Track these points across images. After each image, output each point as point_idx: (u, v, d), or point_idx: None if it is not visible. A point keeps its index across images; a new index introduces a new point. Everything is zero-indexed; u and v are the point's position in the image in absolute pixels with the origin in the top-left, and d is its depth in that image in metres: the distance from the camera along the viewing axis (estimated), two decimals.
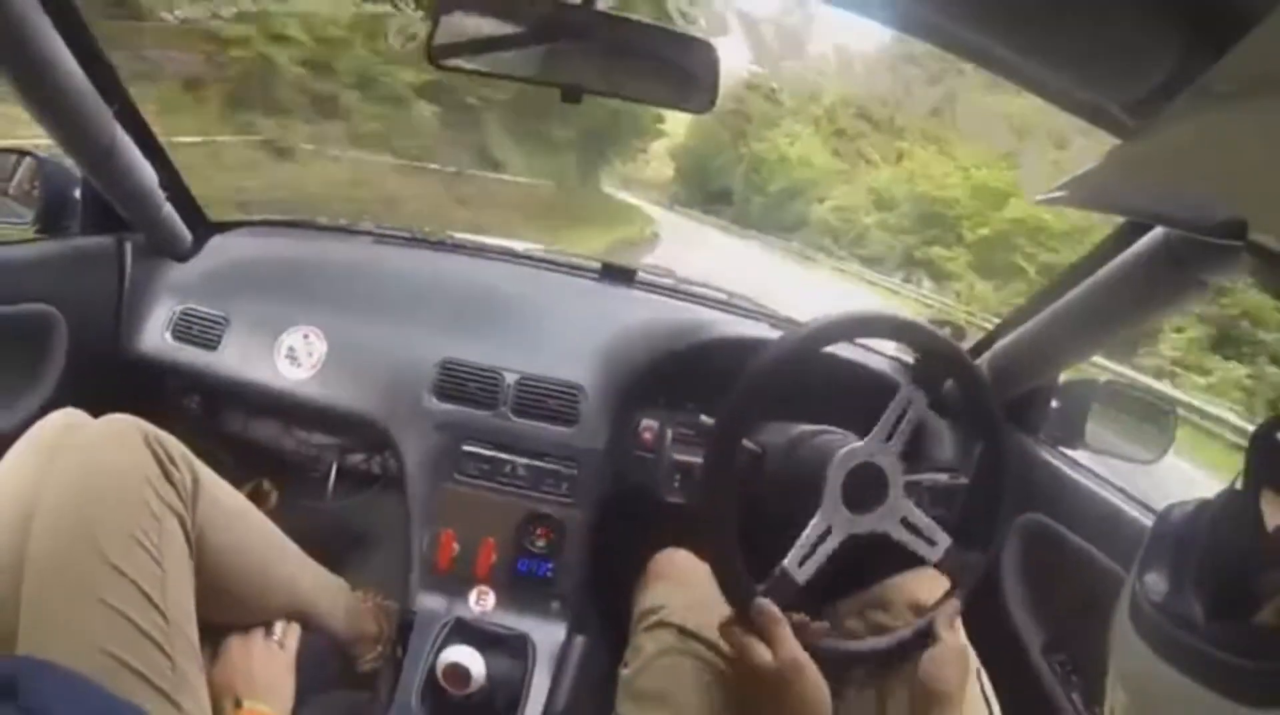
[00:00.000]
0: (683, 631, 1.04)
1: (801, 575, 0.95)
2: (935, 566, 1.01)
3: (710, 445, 0.98)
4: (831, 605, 1.15)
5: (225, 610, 1.03)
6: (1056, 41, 0.56)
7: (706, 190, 29.28)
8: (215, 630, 1.02)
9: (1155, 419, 1.33)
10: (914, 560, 1.04)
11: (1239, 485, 0.42)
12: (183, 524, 0.92)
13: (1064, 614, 1.25)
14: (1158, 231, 0.98)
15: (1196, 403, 6.51)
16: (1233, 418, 6.61)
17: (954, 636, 0.96)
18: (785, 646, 0.89)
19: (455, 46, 0.90)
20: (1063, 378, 1.36)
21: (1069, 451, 1.35)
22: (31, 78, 1.07)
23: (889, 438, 0.99)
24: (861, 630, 1.08)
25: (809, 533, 0.96)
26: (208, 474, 0.99)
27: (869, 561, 1.06)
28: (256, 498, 1.49)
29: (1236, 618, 0.38)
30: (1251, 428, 0.44)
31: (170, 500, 0.91)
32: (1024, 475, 1.28)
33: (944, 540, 1.00)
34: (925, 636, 0.97)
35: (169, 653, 0.84)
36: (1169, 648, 0.40)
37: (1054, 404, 1.35)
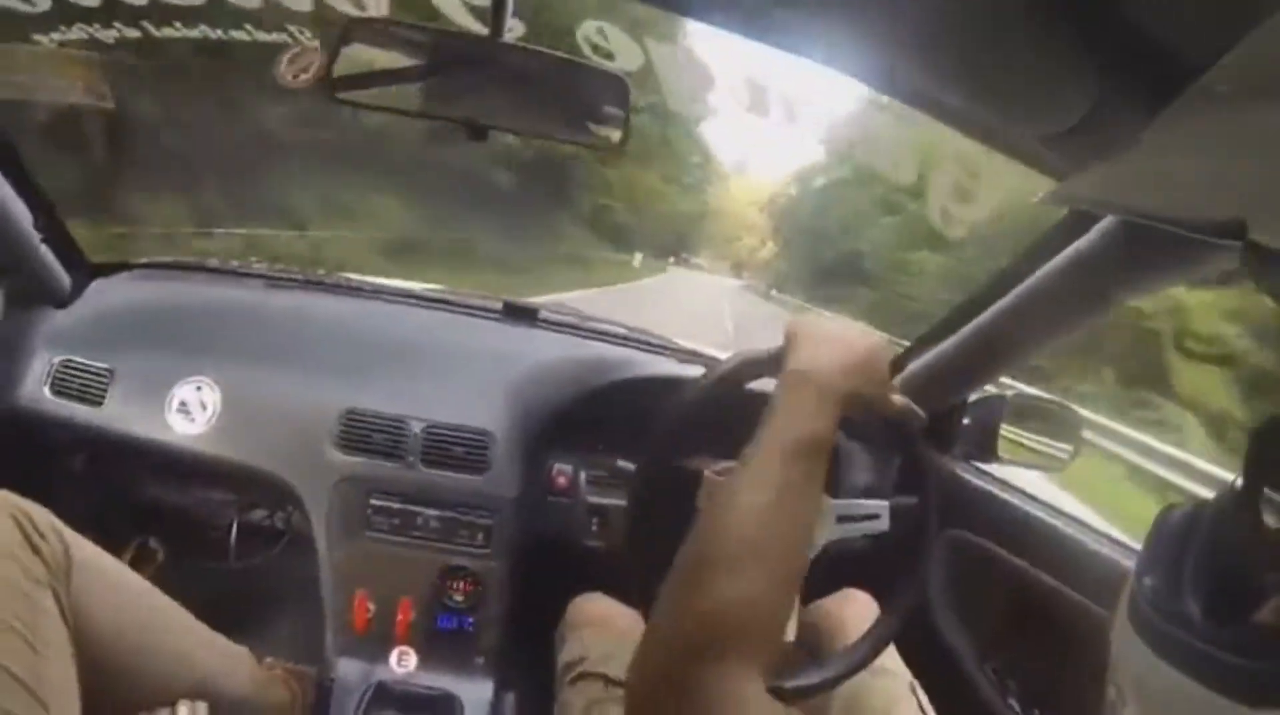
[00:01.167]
0: (608, 681, 1.02)
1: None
2: (890, 532, 0.98)
3: (635, 485, 0.97)
4: None
5: (116, 692, 0.95)
6: (974, 78, 0.57)
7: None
8: (111, 712, 0.93)
9: (1061, 427, 1.38)
10: (839, 583, 1.03)
11: (1238, 485, 0.42)
12: (56, 599, 0.86)
13: (993, 623, 1.27)
14: (1071, 250, 1.01)
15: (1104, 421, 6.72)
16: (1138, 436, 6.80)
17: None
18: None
19: (355, 79, 0.86)
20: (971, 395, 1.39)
21: (982, 466, 1.38)
22: None
23: None
24: (792, 656, 1.05)
25: None
26: (81, 543, 0.93)
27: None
28: (141, 560, 1.40)
29: (1236, 617, 0.38)
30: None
31: (39, 574, 0.85)
32: (943, 492, 1.31)
33: (882, 505, 0.98)
34: (859, 668, 0.95)
35: None
36: (1168, 647, 0.40)
37: (965, 421, 1.37)
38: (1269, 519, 0.40)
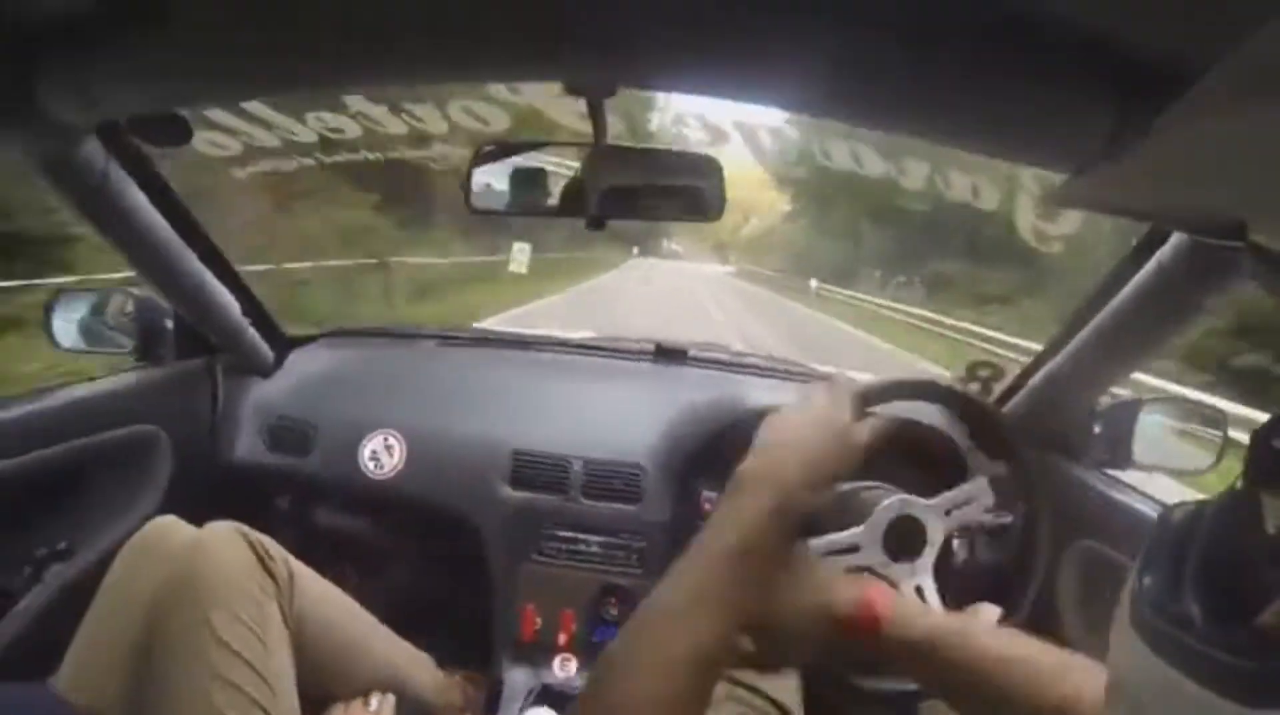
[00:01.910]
0: (731, 681, 1.10)
1: None
2: (996, 497, 1.01)
3: None
4: None
5: (324, 683, 1.18)
6: (995, 118, 0.58)
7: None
8: (317, 703, 1.17)
9: (1204, 427, 1.34)
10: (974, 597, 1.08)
11: (1239, 485, 0.42)
12: (280, 608, 1.08)
13: None
14: (1162, 253, 1.01)
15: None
16: None
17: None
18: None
19: (489, 196, 1.01)
20: (1104, 401, 1.37)
21: (1120, 474, 1.35)
22: (130, 238, 1.22)
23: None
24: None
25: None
26: (301, 567, 1.16)
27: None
28: (339, 582, 1.62)
29: (1237, 619, 0.38)
30: None
31: (269, 589, 1.08)
32: (1074, 503, 1.31)
33: (980, 483, 1.01)
34: None
35: None
36: (1169, 649, 0.39)
37: (1097, 429, 1.36)
38: (1270, 519, 0.40)
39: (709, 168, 1.03)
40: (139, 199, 1.17)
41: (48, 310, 1.45)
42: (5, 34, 0.70)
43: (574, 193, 1.00)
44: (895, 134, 0.68)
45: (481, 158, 1.00)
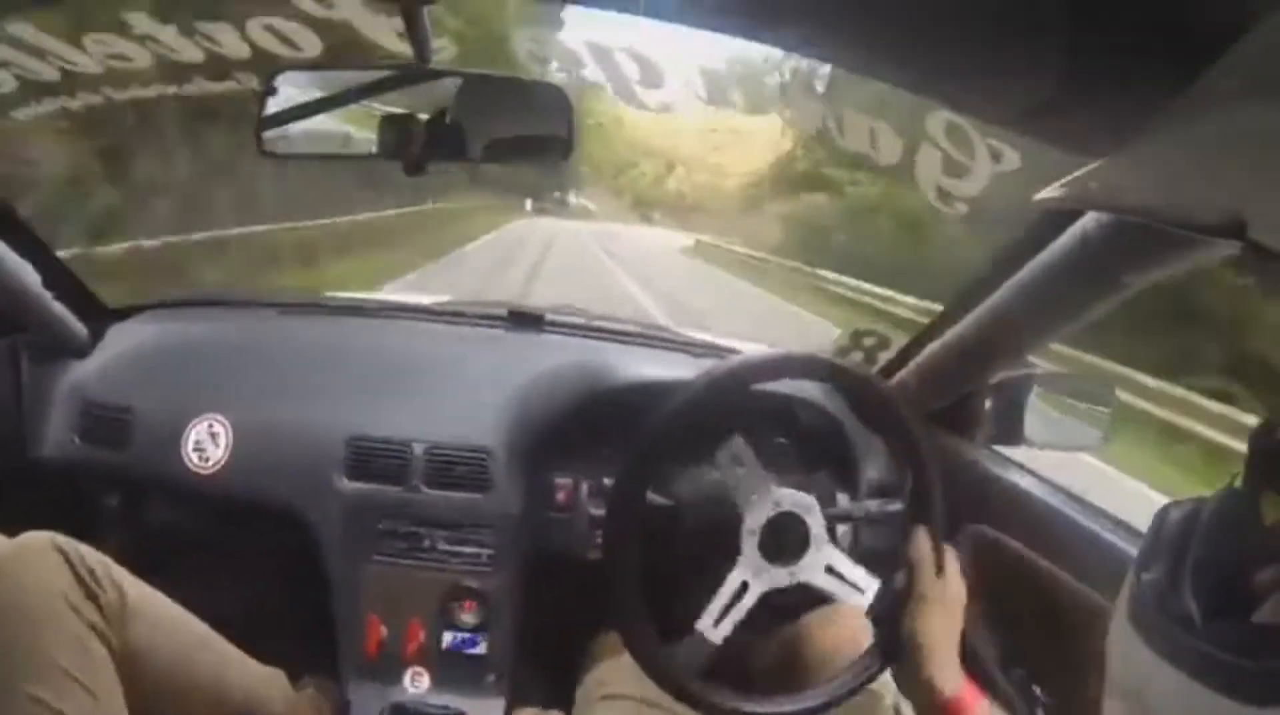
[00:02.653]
0: (644, 702, 1.01)
1: (717, 635, 0.92)
2: (868, 614, 0.97)
3: (609, 505, 0.97)
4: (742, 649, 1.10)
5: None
6: (944, 60, 0.55)
7: None
8: None
9: (1094, 403, 1.31)
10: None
11: (1238, 483, 0.42)
12: (109, 645, 0.90)
13: (1017, 626, 1.21)
14: (1073, 230, 0.96)
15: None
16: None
17: (928, 583, 0.90)
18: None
19: (285, 134, 0.85)
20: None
21: (1009, 452, 1.32)
22: None
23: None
24: (776, 675, 1.05)
25: (725, 589, 0.92)
26: (134, 584, 0.97)
27: (785, 600, 1.01)
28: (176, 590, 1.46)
29: (1235, 616, 0.38)
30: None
31: (94, 620, 0.89)
32: (964, 485, 1.25)
33: (872, 585, 0.95)
34: (849, 696, 0.93)
35: None
36: (1168, 647, 0.40)
37: (988, 404, 1.32)
38: (1268, 516, 0.40)
39: (558, 99, 0.90)
40: None
41: None
42: None
43: (394, 130, 0.85)
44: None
45: (276, 86, 0.83)
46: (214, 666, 1.10)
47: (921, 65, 0.59)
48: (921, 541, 0.91)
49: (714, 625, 0.91)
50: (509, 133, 0.87)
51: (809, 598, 1.07)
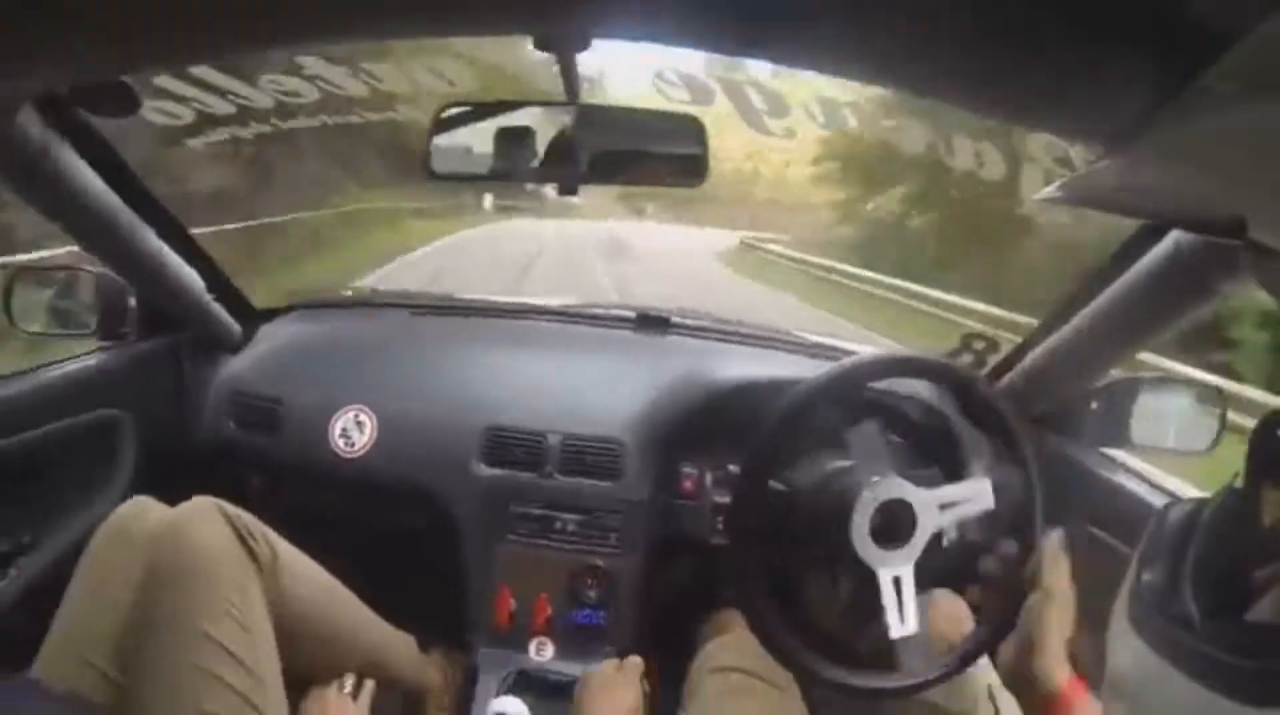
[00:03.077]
0: (746, 673, 1.09)
1: (911, 628, 0.97)
2: (995, 509, 0.99)
3: (735, 491, 1.03)
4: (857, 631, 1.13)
5: (307, 665, 1.14)
6: (1030, 86, 0.54)
7: None
8: (298, 681, 1.12)
9: (1203, 407, 1.31)
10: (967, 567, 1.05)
11: (1238, 482, 0.42)
12: (263, 591, 1.03)
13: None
14: (1168, 241, 0.98)
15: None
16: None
17: (1056, 578, 0.92)
18: None
19: (451, 159, 0.95)
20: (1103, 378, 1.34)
21: (1116, 454, 1.33)
22: (79, 217, 1.16)
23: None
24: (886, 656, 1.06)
25: (885, 594, 0.97)
26: (284, 545, 1.11)
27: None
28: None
29: (1233, 614, 0.38)
30: None
31: (251, 571, 1.03)
32: (1068, 484, 1.27)
33: (911, 626, 0.98)
34: (978, 656, 0.98)
35: (259, 707, 0.95)
36: (1167, 647, 0.40)
37: (1094, 406, 1.33)
38: (1268, 513, 0.40)
39: (693, 129, 0.98)
40: (85, 174, 1.10)
41: (6, 292, 1.39)
42: None
43: (549, 155, 0.93)
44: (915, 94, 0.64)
45: (444, 120, 0.93)
46: (351, 621, 1.24)
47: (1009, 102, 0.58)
48: (1051, 538, 0.94)
49: (903, 624, 0.97)
50: (651, 157, 0.95)
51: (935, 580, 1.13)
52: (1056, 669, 0.85)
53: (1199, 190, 0.48)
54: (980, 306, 8.79)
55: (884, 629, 1.15)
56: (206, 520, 1.03)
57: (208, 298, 1.50)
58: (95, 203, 1.14)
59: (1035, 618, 0.90)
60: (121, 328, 1.47)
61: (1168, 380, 1.37)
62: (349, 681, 1.21)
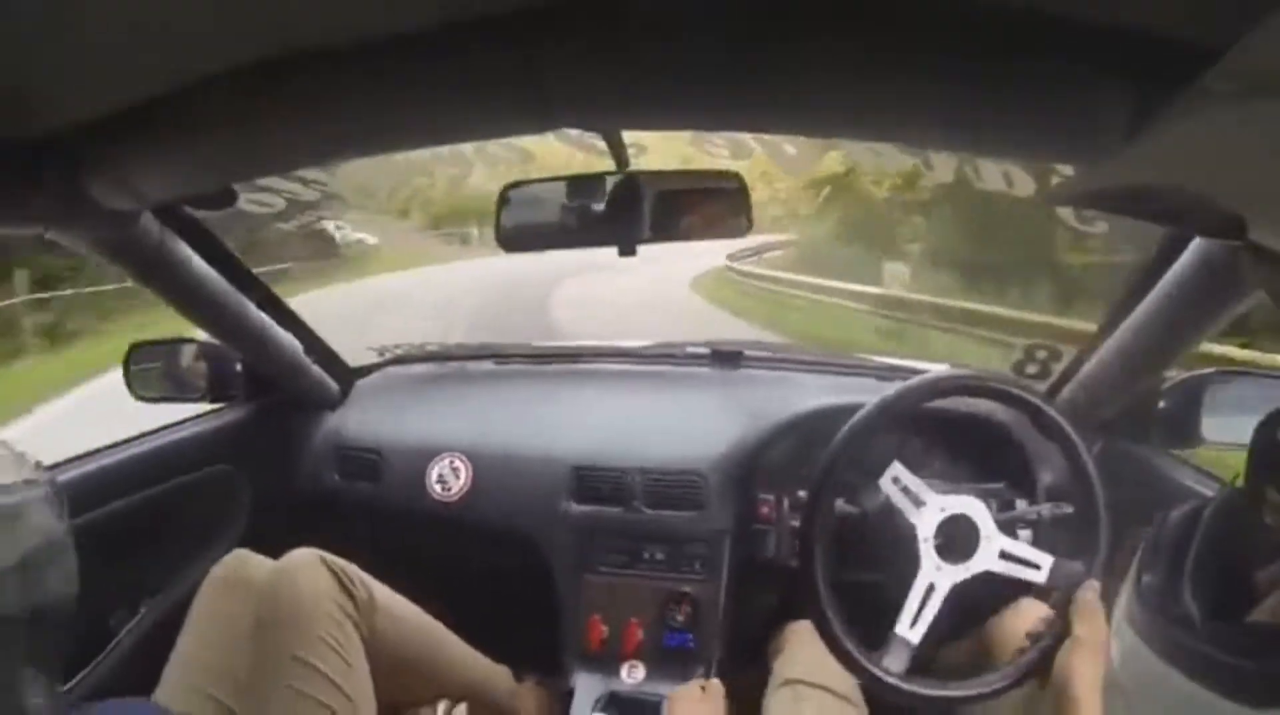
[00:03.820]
0: (805, 684, 1.16)
1: (915, 636, 1.02)
2: (1045, 585, 1.03)
3: (802, 515, 1.09)
4: (939, 649, 1.18)
5: (402, 693, 1.29)
6: (1010, 120, 0.56)
7: None
8: (395, 710, 1.27)
9: (1272, 399, 1.29)
10: (1020, 592, 1.09)
11: (1238, 483, 0.43)
12: (358, 627, 1.17)
13: None
14: (1197, 243, 0.99)
15: None
16: None
17: (1088, 629, 0.93)
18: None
19: (520, 233, 1.04)
20: (1171, 376, 1.33)
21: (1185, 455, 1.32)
22: (190, 298, 1.28)
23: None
24: (968, 671, 1.09)
25: (914, 594, 1.03)
26: (380, 587, 1.25)
27: (976, 601, 1.11)
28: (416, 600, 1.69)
29: (1234, 616, 0.39)
30: None
31: (349, 610, 1.17)
32: (1137, 487, 1.27)
33: (1046, 560, 1.02)
34: (1024, 676, 1.00)
35: None
36: (1168, 647, 0.40)
37: (1162, 405, 1.32)
38: (1269, 515, 0.41)
39: (735, 184, 1.05)
40: (194, 260, 1.22)
41: (126, 364, 1.54)
42: (53, 138, 0.74)
43: (605, 221, 1.01)
44: (912, 146, 0.68)
45: (508, 196, 1.03)
46: (446, 655, 1.35)
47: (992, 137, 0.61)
48: (1086, 587, 0.97)
49: (910, 627, 1.02)
50: (699, 213, 1.02)
51: (996, 600, 1.17)
52: None
53: (1199, 191, 0.48)
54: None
55: (968, 647, 1.19)
56: (309, 568, 1.18)
57: (306, 360, 1.62)
58: (204, 285, 1.26)
59: (1064, 668, 0.92)
60: (230, 391, 1.60)
61: (1235, 373, 1.33)
62: (441, 706, 1.33)
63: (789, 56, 0.55)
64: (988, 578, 1.04)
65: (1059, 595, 1.01)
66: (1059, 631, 0.97)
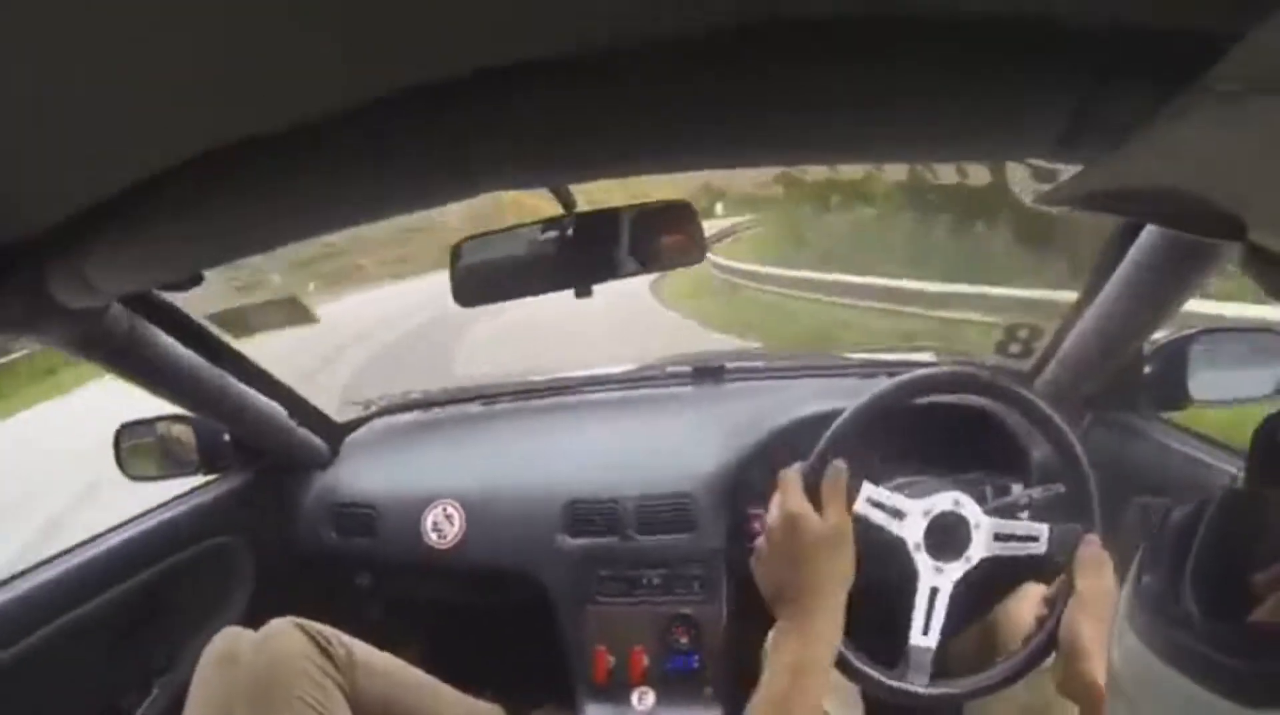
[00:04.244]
0: None
1: (930, 641, 1.01)
2: (1046, 554, 1.02)
3: None
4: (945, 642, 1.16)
5: None
6: (950, 124, 0.55)
7: None
8: None
9: (1260, 352, 1.29)
10: (1025, 570, 1.09)
11: (1240, 483, 0.42)
12: (340, 687, 1.20)
13: None
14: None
15: None
16: None
17: (1093, 581, 0.94)
18: (837, 511, 0.95)
19: (475, 289, 1.04)
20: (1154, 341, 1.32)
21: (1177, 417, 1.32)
22: (166, 381, 1.28)
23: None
24: (977, 662, 1.09)
25: (919, 603, 1.02)
26: (360, 645, 1.27)
27: (980, 589, 1.10)
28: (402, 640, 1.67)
29: (1234, 616, 0.38)
30: None
31: (329, 670, 1.20)
32: (1131, 456, 1.27)
33: (1042, 529, 1.02)
34: (1038, 659, 0.99)
35: None
36: (1167, 648, 0.39)
37: (1148, 370, 1.32)
38: (1272, 516, 0.40)
39: (684, 213, 1.04)
40: (167, 342, 1.22)
41: (116, 445, 1.54)
42: (14, 244, 0.74)
43: (558, 267, 1.01)
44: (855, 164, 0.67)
45: (462, 252, 1.02)
46: (431, 704, 1.35)
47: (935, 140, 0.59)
48: (1087, 540, 0.96)
49: (924, 635, 1.01)
50: (650, 246, 1.01)
51: (1000, 584, 1.17)
52: (1099, 668, 0.85)
53: (1197, 192, 0.47)
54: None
55: (973, 637, 1.18)
56: (284, 636, 1.21)
57: (291, 423, 1.62)
58: (180, 365, 1.26)
59: (1071, 624, 0.92)
60: (221, 462, 1.60)
61: (1219, 331, 1.33)
62: None
63: (754, 89, 0.53)
64: (989, 563, 1.03)
65: (1062, 561, 1.00)
66: (1066, 594, 0.96)
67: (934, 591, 1.02)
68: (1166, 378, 1.31)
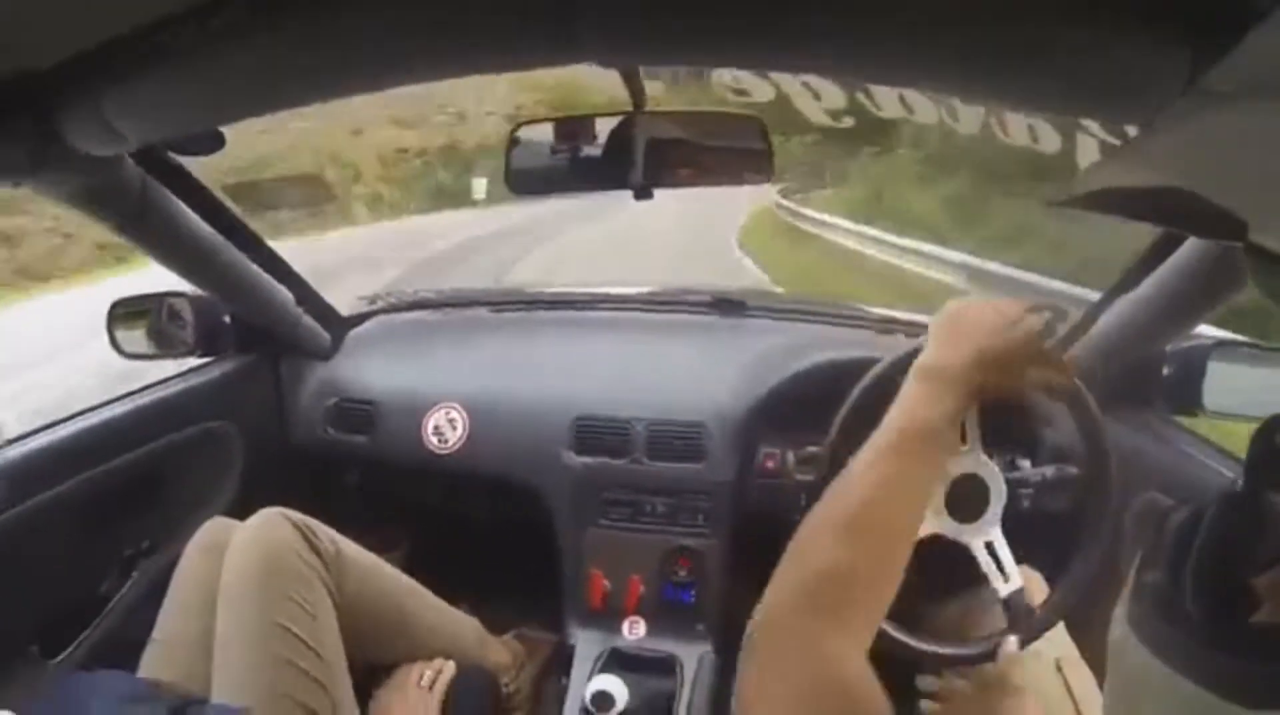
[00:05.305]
0: None
1: (1015, 584, 1.01)
2: (1001, 602, 1.02)
3: (816, 475, 1.07)
4: (926, 604, 1.17)
5: (373, 650, 1.28)
6: (1064, 79, 0.55)
7: None
8: (369, 665, 1.27)
9: (1274, 368, 1.29)
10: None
11: (1240, 485, 0.42)
12: (325, 583, 1.17)
13: None
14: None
15: None
16: None
17: (1004, 680, 0.98)
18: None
19: (530, 176, 1.01)
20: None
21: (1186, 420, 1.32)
22: (176, 250, 1.25)
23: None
24: (944, 632, 1.10)
25: (980, 556, 1.01)
26: (347, 543, 1.25)
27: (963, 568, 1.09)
28: (388, 542, 1.67)
29: (1234, 617, 0.38)
30: None
31: (315, 565, 1.17)
32: (1142, 453, 1.28)
33: (1015, 581, 1.01)
34: (984, 658, 1.00)
35: (328, 687, 1.10)
36: (1167, 649, 0.40)
37: (1167, 371, 1.32)
38: (1269, 520, 0.40)
39: (756, 128, 1.01)
40: (179, 208, 1.19)
41: (109, 319, 1.49)
42: (22, 80, 0.70)
43: (619, 163, 0.98)
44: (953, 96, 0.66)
45: (518, 137, 0.99)
46: (413, 608, 1.34)
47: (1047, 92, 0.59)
48: (1007, 643, 0.99)
49: (1005, 582, 1.01)
50: (717, 158, 0.99)
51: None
52: None
53: (1199, 193, 0.47)
54: None
55: (957, 610, 1.18)
56: (274, 527, 1.18)
57: (298, 310, 1.59)
58: (189, 235, 1.23)
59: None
60: (219, 344, 1.57)
61: (1238, 343, 1.34)
62: (427, 673, 1.30)
63: None
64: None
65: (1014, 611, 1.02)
66: (1058, 607, 1.01)
67: (990, 545, 1.01)
68: (1183, 382, 1.31)
